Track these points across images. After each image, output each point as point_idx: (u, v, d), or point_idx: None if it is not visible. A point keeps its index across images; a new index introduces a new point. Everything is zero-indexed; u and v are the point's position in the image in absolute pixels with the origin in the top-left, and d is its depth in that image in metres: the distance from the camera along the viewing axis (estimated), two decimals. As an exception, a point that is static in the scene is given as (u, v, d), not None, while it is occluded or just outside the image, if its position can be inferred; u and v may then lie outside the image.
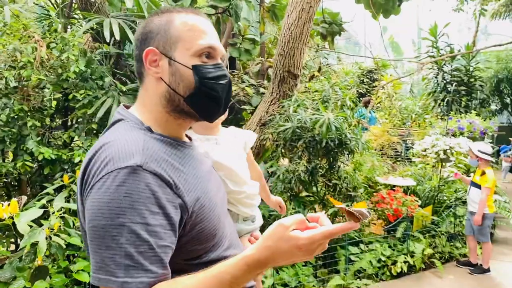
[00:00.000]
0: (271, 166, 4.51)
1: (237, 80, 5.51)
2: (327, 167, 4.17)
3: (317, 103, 3.96)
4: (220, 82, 1.04)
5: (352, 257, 4.41)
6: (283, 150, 4.09)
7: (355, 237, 4.55)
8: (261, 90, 5.37)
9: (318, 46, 8.07)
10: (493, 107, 14.88)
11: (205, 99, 1.03)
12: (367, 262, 4.35)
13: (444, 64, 12.03)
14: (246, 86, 5.32)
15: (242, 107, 5.42)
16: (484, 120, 8.40)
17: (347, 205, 0.89)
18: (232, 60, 6.42)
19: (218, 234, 1.03)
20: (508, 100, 14.87)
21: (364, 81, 12.62)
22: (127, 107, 1.10)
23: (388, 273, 4.40)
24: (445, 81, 11.98)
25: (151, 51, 1.03)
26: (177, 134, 1.08)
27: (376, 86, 11.38)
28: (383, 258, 4.45)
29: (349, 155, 4.05)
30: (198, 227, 0.96)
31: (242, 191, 1.42)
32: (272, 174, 4.53)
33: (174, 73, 1.02)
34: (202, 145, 1.42)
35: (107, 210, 0.84)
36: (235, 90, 5.28)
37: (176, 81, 1.02)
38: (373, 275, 4.34)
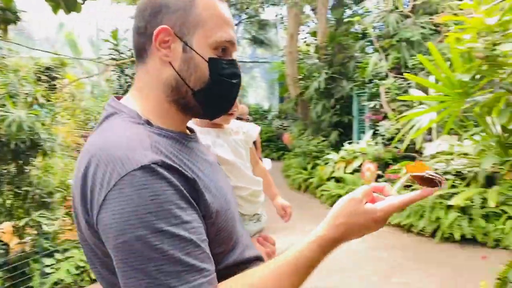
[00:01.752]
0: None
1: None
2: (15, 172, 3.65)
3: (2, 98, 3.40)
4: (233, 81, 0.93)
5: (48, 270, 4.03)
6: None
7: (50, 248, 4.18)
8: None
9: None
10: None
11: (215, 96, 0.93)
12: (65, 271, 4.08)
13: (127, 67, 12.54)
14: None
15: None
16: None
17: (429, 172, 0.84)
18: None
19: (234, 235, 0.95)
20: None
21: (41, 78, 11.66)
22: (118, 99, 0.94)
23: (87, 278, 4.26)
24: (127, 83, 12.50)
25: (165, 30, 0.88)
26: (179, 127, 0.95)
27: (56, 85, 10.71)
28: (82, 264, 4.26)
29: (43, 158, 3.68)
30: (217, 228, 0.87)
31: (246, 188, 1.32)
32: None
33: (188, 61, 0.89)
34: (203, 138, 1.26)
35: (136, 219, 0.73)
36: None
37: (188, 70, 0.89)
38: (72, 284, 4.12)
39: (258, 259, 1.02)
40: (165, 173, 0.77)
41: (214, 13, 0.91)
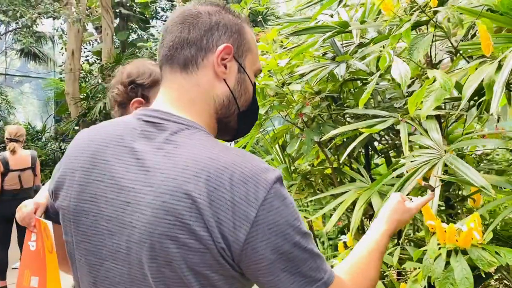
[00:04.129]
0: None
1: None
2: None
3: None
4: (258, 106, 1.01)
5: None
6: None
7: None
8: None
9: None
10: None
11: (250, 119, 0.98)
12: None
13: None
14: None
15: None
16: None
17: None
18: None
19: None
20: None
21: None
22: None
23: None
24: None
25: (229, 48, 0.87)
26: None
27: None
28: None
29: None
30: None
31: None
32: None
33: (241, 82, 0.92)
34: None
35: (289, 228, 0.79)
36: None
37: (240, 90, 0.92)
38: None
39: None
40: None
41: (255, 42, 0.97)
